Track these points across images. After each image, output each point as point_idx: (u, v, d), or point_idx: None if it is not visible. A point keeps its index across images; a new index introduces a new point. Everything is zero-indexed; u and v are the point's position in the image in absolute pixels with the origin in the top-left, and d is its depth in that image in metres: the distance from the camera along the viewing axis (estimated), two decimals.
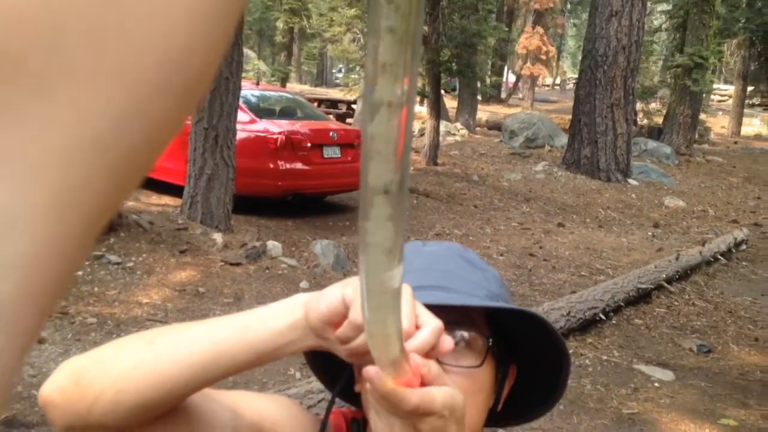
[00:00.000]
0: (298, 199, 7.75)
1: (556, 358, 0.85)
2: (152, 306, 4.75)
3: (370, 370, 0.56)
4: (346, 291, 0.63)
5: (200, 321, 0.68)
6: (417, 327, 0.61)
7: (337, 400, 0.85)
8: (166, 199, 7.84)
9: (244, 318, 0.66)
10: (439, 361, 0.73)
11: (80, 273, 5.04)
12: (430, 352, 0.61)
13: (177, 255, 5.71)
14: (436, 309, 0.70)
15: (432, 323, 0.61)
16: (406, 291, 0.62)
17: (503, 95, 31.41)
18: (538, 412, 0.94)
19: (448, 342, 0.63)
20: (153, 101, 0.25)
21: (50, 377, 0.68)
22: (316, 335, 0.64)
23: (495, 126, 19.57)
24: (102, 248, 5.46)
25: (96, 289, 4.87)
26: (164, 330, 0.69)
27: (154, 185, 8.31)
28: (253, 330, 0.64)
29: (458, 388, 0.72)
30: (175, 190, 7.54)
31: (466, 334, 0.78)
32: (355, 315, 0.60)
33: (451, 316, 0.75)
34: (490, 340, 0.79)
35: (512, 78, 34.98)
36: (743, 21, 20.90)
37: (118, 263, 5.30)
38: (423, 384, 0.59)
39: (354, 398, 0.84)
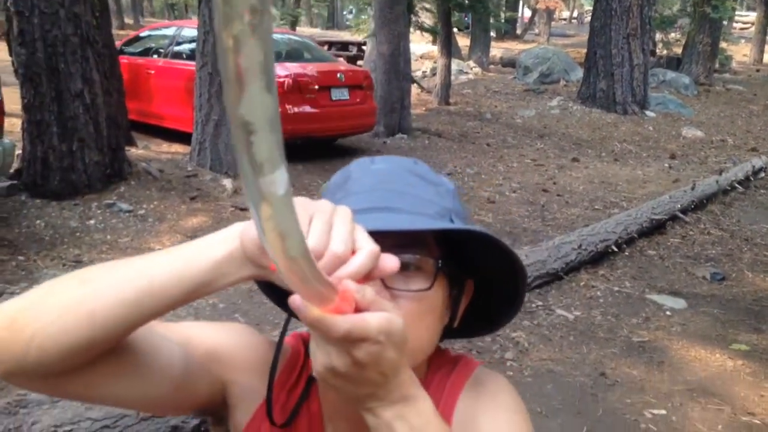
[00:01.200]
0: (308, 142, 7.70)
1: (511, 270, 0.83)
2: None
3: (294, 299, 0.53)
4: None
5: (136, 257, 0.65)
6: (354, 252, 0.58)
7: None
8: (176, 147, 7.84)
9: (179, 251, 0.63)
10: (387, 286, 0.72)
11: (92, 222, 5.09)
12: (374, 273, 0.58)
13: (187, 201, 5.73)
14: (382, 233, 0.68)
15: (367, 247, 0.58)
16: (344, 214, 0.59)
17: (518, 31, 30.71)
18: (498, 323, 0.93)
19: (390, 262, 0.59)
20: None
21: None
22: (252, 264, 0.60)
23: (509, 63, 19.19)
24: (113, 197, 5.50)
25: (108, 237, 4.92)
26: (98, 267, 0.66)
27: (164, 133, 8.32)
28: (189, 262, 0.61)
29: (408, 312, 0.72)
30: (184, 138, 7.53)
31: (413, 257, 0.75)
32: None
33: (399, 238, 0.72)
34: (440, 261, 0.76)
35: (528, 13, 34.11)
36: None
37: (129, 211, 5.33)
38: (358, 310, 0.56)
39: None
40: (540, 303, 4.29)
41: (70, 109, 5.29)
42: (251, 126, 0.38)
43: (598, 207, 6.71)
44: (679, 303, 4.38)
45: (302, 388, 0.85)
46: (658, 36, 18.74)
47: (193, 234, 5.13)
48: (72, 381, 0.65)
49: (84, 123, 5.36)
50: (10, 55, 5.34)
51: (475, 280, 0.88)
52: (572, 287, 4.59)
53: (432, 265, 0.76)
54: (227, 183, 6.19)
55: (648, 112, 12.28)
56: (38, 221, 4.96)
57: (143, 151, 7.31)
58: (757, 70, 21.27)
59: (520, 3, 32.13)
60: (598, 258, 5.01)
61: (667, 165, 8.86)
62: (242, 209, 5.72)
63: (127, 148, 6.34)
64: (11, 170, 5.18)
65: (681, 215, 6.00)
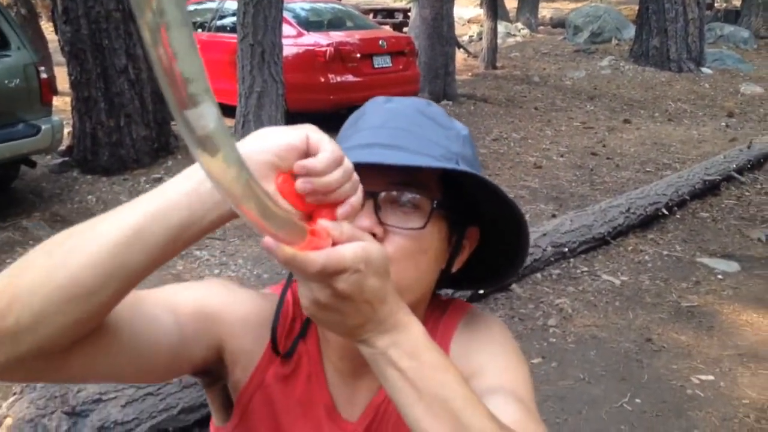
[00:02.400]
0: (351, 112, 7.67)
1: (515, 220, 0.83)
2: None
3: (266, 241, 0.52)
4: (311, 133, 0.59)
5: (105, 214, 0.60)
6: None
7: None
8: None
9: (151, 195, 0.59)
10: (381, 222, 0.74)
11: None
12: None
13: None
14: (382, 168, 0.71)
15: (324, 155, 0.57)
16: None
17: None
18: (502, 276, 0.94)
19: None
20: None
21: None
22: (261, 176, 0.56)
23: (559, 23, 18.64)
24: (161, 171, 5.61)
25: None
26: (69, 231, 0.59)
27: None
28: (158, 203, 0.57)
29: (399, 247, 0.74)
30: (229, 111, 7.60)
31: (409, 195, 0.76)
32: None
33: (400, 176, 0.74)
34: (435, 202, 0.77)
35: None
36: None
37: None
38: (335, 245, 0.57)
39: None
40: (585, 269, 4.21)
41: (116, 85, 5.40)
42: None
43: (650, 169, 6.51)
44: (732, 266, 4.24)
45: (298, 331, 0.85)
46: None
47: None
48: (71, 361, 0.62)
49: (130, 98, 5.46)
50: (56, 33, 5.47)
51: (480, 229, 0.88)
52: (619, 252, 4.49)
53: (429, 206, 0.76)
54: None
55: (704, 69, 11.79)
56: (90, 196, 5.11)
57: None
58: None
59: None
60: (648, 222, 4.88)
61: (724, 124, 8.52)
62: None
63: (172, 122, 6.44)
64: (62, 147, 5.33)
65: (736, 175, 5.78)
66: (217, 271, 4.20)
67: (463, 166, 0.78)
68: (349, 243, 0.57)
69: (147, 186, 5.35)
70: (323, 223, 0.57)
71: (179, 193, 0.58)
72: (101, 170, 5.41)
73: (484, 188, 0.79)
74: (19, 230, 4.50)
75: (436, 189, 0.78)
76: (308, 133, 0.58)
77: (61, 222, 4.70)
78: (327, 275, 0.56)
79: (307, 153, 0.58)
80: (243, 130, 6.63)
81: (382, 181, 0.74)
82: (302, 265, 0.54)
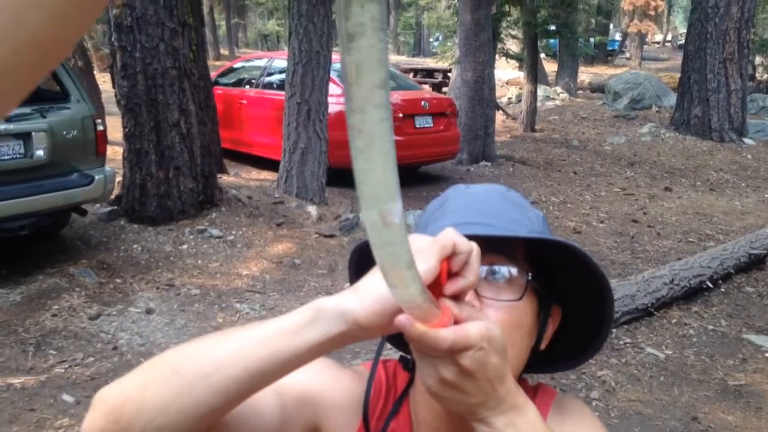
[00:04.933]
0: None
1: (600, 297, 0.84)
2: (251, 277, 4.94)
3: (400, 319, 0.57)
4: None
5: (220, 335, 0.67)
6: (450, 268, 0.61)
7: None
8: (265, 174, 8.09)
9: (266, 327, 0.64)
10: (478, 295, 0.76)
11: (185, 246, 5.31)
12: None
13: (274, 228, 5.89)
14: (476, 242, 0.72)
15: (469, 252, 0.62)
16: (446, 236, 0.62)
17: (610, 55, 30.06)
18: (583, 356, 0.94)
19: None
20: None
21: (87, 415, 0.67)
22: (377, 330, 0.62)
23: (598, 88, 18.78)
24: (205, 223, 5.72)
25: (199, 261, 5.11)
26: (186, 353, 0.66)
27: (254, 161, 8.61)
28: (283, 345, 0.62)
29: (497, 322, 0.73)
30: (273, 165, 7.76)
31: (505, 268, 0.78)
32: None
33: (491, 250, 0.77)
34: (530, 275, 0.79)
35: (619, 36, 33.36)
36: None
37: (219, 237, 5.53)
38: (458, 323, 0.60)
39: (402, 342, 0.85)
40: (628, 340, 4.13)
41: (167, 139, 5.57)
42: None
43: (692, 239, 6.43)
44: None
45: (390, 409, 0.87)
46: (759, 60, 17.91)
47: (279, 260, 5.27)
48: None
49: (180, 152, 5.62)
50: (113, 86, 5.69)
51: (562, 309, 0.89)
52: (663, 324, 4.40)
53: (523, 278, 0.79)
54: (312, 210, 6.33)
55: (746, 140, 11.70)
56: (135, 245, 5.22)
57: (234, 178, 7.59)
58: None
59: (611, 27, 31.48)
60: (692, 294, 4.79)
61: (767, 196, 8.40)
62: (325, 236, 5.83)
63: (218, 175, 6.60)
64: (112, 196, 5.48)
65: None
66: None
67: (545, 236, 0.82)
68: (472, 321, 0.61)
69: (191, 237, 5.46)
70: (446, 302, 0.61)
71: (308, 343, 0.62)
72: (148, 220, 5.54)
73: (572, 263, 0.80)
74: (66, 277, 4.60)
75: (525, 263, 0.81)
76: (455, 240, 0.62)
77: (106, 269, 4.80)
78: (454, 352, 0.59)
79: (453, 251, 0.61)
80: (285, 185, 6.76)
81: None
82: (433, 342, 0.58)
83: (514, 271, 0.79)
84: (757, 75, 18.15)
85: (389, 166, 0.41)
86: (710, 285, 4.90)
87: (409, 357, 0.89)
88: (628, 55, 30.41)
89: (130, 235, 5.38)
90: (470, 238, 0.63)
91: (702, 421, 3.26)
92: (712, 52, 11.68)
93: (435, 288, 0.61)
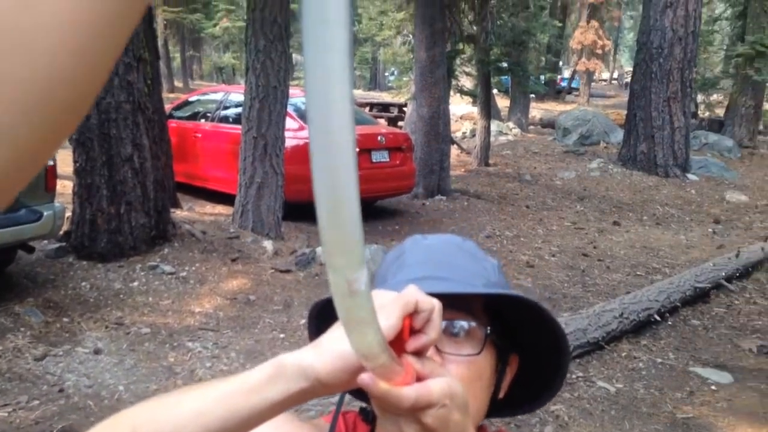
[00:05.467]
0: None
1: (556, 346, 0.87)
2: (204, 315, 4.87)
3: (363, 377, 0.57)
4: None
5: (177, 394, 0.66)
6: (412, 325, 0.62)
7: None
8: (219, 209, 8.02)
9: (226, 385, 0.64)
10: (438, 350, 0.77)
11: (136, 283, 5.21)
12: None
13: (228, 263, 5.83)
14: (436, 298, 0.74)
15: (431, 310, 0.62)
16: (406, 290, 0.63)
17: (560, 92, 30.89)
18: (540, 400, 0.96)
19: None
20: (17, 125, 0.28)
21: None
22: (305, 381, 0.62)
23: (549, 124, 19.27)
24: (157, 259, 5.63)
25: (150, 299, 5.02)
26: (144, 414, 0.65)
27: (208, 195, 8.54)
28: (238, 391, 0.62)
29: (458, 376, 0.75)
30: (228, 199, 7.70)
31: (464, 323, 0.80)
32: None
33: (450, 305, 0.77)
34: (488, 328, 0.81)
35: (568, 74, 34.35)
36: None
37: (171, 273, 5.44)
38: (420, 380, 0.61)
39: (363, 393, 0.85)
40: (581, 374, 4.20)
41: (119, 173, 5.49)
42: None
43: (640, 273, 6.60)
44: (725, 377, 4.24)
45: None
46: (700, 98, 18.65)
47: (233, 296, 5.21)
48: None
49: (132, 186, 5.54)
50: None
51: (519, 356, 0.91)
52: (614, 358, 4.49)
53: (481, 332, 0.80)
54: (268, 245, 6.29)
55: (690, 176, 12.13)
56: (84, 283, 5.10)
57: (188, 212, 7.50)
58: None
59: (560, 64, 32.42)
60: (641, 327, 4.91)
61: (710, 230, 8.70)
62: (281, 271, 5.79)
63: (172, 210, 6.51)
64: (61, 232, 5.36)
65: (725, 283, 5.86)
66: (209, 364, 4.15)
67: (502, 291, 0.83)
68: (434, 378, 0.61)
69: (142, 273, 5.36)
70: (408, 358, 0.61)
71: (268, 402, 0.62)
72: (98, 257, 5.42)
73: (528, 313, 0.83)
74: (10, 316, 4.46)
75: (483, 316, 0.83)
76: (417, 298, 0.62)
77: (53, 308, 4.67)
78: (417, 410, 0.59)
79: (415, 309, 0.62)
80: (241, 219, 6.72)
81: None
82: (396, 400, 0.58)
83: (473, 325, 0.80)
84: (699, 113, 18.88)
85: (357, 233, 0.42)
86: (658, 318, 5.03)
87: (369, 408, 0.90)
88: (577, 92, 31.33)
89: (78, 273, 5.25)
90: (430, 294, 0.64)
91: None
92: (656, 90, 12.15)
93: (397, 344, 0.61)
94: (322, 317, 0.85)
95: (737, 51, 16.39)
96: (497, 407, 0.91)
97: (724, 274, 5.88)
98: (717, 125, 17.44)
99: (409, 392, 0.58)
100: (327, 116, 0.37)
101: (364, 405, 0.94)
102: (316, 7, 0.34)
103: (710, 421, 3.69)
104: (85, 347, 4.19)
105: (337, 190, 0.39)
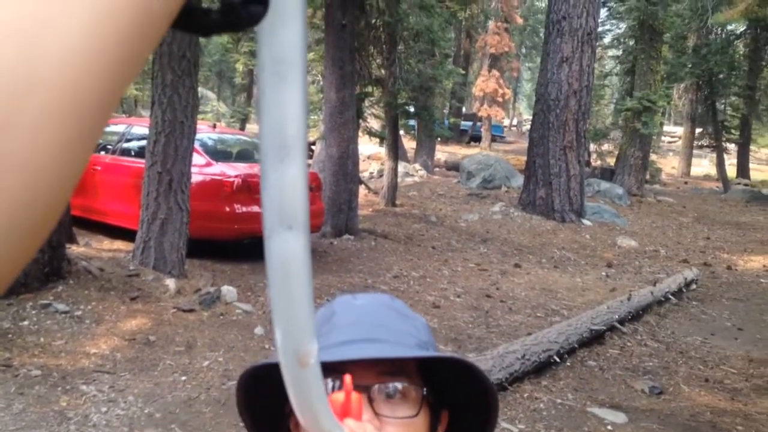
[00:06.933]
0: (255, 242, 7.68)
1: (485, 400, 0.89)
2: (100, 356, 4.62)
3: None
4: None
5: None
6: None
7: None
8: (119, 244, 7.69)
9: None
10: (377, 414, 0.78)
11: (26, 323, 4.89)
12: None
13: (128, 302, 5.58)
14: (370, 362, 0.77)
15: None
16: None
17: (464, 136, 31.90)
18: None
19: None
20: None
21: None
22: None
23: (453, 167, 19.83)
24: (50, 297, 5.32)
25: (42, 339, 4.72)
26: None
27: (106, 230, 8.18)
28: None
29: None
30: (127, 235, 7.41)
31: (399, 385, 0.81)
32: None
33: (385, 367, 0.80)
34: (425, 389, 0.83)
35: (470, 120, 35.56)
36: (689, 66, 21.74)
37: (65, 312, 5.15)
38: None
39: None
40: None
41: None
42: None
43: (540, 314, 6.83)
44: (620, 417, 4.43)
45: None
46: (593, 147, 19.78)
47: (132, 336, 4.98)
48: None
49: None
50: None
51: (449, 409, 0.93)
52: (516, 398, 4.60)
53: (417, 393, 0.82)
54: (170, 283, 6.08)
55: (585, 221, 12.77)
56: None
57: (84, 248, 7.15)
58: (685, 182, 22.55)
59: (463, 110, 33.56)
60: (541, 368, 5.06)
61: (604, 273, 9.15)
62: (184, 310, 5.60)
63: (67, 245, 6.19)
64: None
65: (618, 326, 6.17)
66: (104, 409, 3.93)
67: (439, 353, 0.86)
68: None
69: (33, 312, 5.04)
70: (349, 423, 0.64)
71: None
72: None
73: (460, 372, 0.85)
74: None
75: (417, 376, 0.84)
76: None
77: None
78: None
79: None
80: (142, 256, 6.47)
81: (371, 374, 0.79)
82: None
83: (408, 387, 0.82)
84: (591, 161, 19.99)
85: (308, 305, 0.42)
86: (557, 359, 5.21)
87: None
88: (482, 136, 32.46)
89: None
90: (363, 360, 0.66)
91: None
92: (553, 139, 12.79)
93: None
94: (253, 387, 0.85)
95: (626, 105, 17.60)
96: None
97: (617, 316, 6.19)
98: (609, 173, 18.52)
99: None
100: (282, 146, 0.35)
101: None
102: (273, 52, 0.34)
103: None
104: None
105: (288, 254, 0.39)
